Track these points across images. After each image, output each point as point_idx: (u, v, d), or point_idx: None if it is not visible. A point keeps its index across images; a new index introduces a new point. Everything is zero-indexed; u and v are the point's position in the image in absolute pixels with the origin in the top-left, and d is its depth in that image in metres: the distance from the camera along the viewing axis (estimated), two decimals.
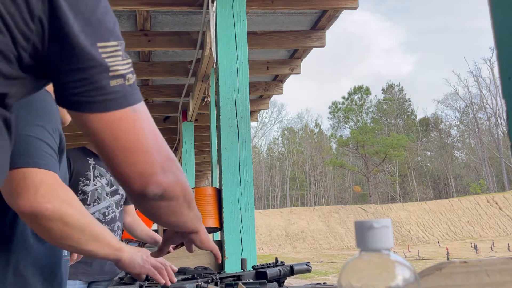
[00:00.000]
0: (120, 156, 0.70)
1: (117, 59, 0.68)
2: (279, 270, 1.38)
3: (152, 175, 0.72)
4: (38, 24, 0.63)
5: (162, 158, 0.73)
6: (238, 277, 1.37)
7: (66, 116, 1.14)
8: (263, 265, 1.42)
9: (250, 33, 2.88)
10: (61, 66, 0.66)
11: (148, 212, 0.82)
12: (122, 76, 0.68)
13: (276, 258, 1.47)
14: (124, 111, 0.68)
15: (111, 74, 0.67)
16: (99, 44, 0.66)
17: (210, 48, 2.63)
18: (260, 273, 1.37)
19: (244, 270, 1.45)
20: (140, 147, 0.70)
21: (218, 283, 1.35)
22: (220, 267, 1.99)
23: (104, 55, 0.66)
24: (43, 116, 0.96)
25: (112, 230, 2.45)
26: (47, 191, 0.87)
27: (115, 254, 1.03)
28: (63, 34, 0.64)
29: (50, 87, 0.83)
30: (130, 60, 0.71)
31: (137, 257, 1.09)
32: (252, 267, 1.43)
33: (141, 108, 0.71)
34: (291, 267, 1.41)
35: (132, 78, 0.70)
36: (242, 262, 1.51)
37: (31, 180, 0.86)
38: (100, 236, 0.97)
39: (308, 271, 1.47)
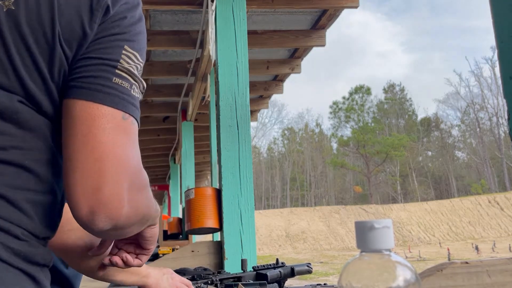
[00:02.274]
0: (81, 161, 0.60)
1: (131, 66, 0.67)
2: (280, 271, 1.37)
3: (108, 203, 0.60)
4: (94, 31, 0.66)
5: (129, 183, 0.63)
6: (238, 278, 1.37)
7: None
8: (263, 266, 1.41)
9: (250, 33, 2.87)
10: (78, 54, 0.66)
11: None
12: (128, 81, 0.66)
13: (277, 259, 1.45)
14: (113, 111, 0.63)
15: (117, 71, 0.65)
16: (126, 47, 0.67)
17: (209, 47, 2.62)
18: (260, 275, 1.36)
19: (244, 271, 1.43)
20: (108, 157, 0.61)
21: (218, 284, 1.34)
22: (220, 267, 1.98)
23: (123, 56, 0.66)
24: None
25: None
26: None
27: (142, 281, 1.08)
28: (109, 34, 0.67)
29: None
30: (144, 85, 0.70)
31: (162, 281, 1.12)
32: (253, 268, 1.42)
33: (133, 125, 0.66)
34: (292, 269, 1.40)
35: (138, 94, 0.68)
36: (243, 263, 1.49)
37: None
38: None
39: (309, 272, 1.46)
